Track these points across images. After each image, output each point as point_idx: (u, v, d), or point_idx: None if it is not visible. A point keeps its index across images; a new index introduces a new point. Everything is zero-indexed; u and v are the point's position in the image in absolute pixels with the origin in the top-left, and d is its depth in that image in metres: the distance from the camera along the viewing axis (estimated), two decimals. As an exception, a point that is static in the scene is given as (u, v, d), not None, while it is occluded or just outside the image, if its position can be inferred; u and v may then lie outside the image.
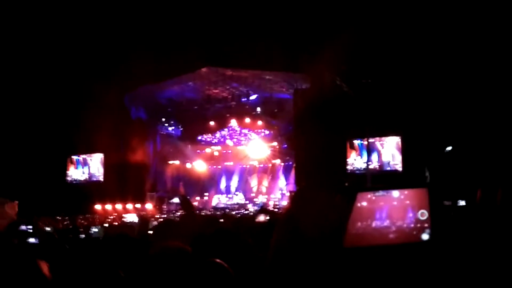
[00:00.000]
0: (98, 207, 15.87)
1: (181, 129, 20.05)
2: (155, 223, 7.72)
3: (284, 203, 16.69)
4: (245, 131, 19.14)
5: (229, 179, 19.93)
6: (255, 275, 2.26)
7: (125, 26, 12.92)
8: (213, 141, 19.87)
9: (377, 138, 14.38)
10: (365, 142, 14.06)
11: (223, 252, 2.26)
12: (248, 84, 17.15)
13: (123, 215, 14.21)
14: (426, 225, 2.03)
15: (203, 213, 14.28)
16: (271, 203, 17.15)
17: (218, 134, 19.48)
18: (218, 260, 2.04)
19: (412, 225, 2.05)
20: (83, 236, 6.37)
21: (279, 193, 18.35)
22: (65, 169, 17.70)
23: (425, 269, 2.00)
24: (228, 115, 18.87)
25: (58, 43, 13.44)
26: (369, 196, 2.09)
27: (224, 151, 20.02)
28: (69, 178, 17.75)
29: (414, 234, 2.04)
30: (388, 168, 14.48)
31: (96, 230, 6.91)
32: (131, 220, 11.74)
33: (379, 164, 14.57)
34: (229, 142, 19.64)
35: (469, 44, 11.04)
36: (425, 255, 2.01)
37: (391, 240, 2.04)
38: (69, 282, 2.25)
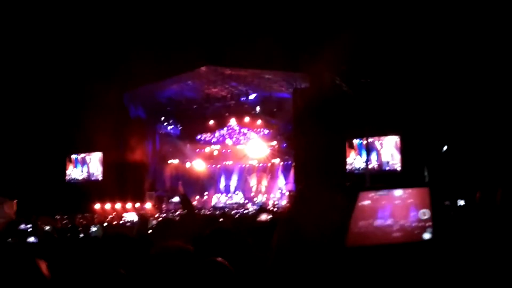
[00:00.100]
0: (97, 206, 15.86)
1: (180, 128, 20.02)
2: (154, 222, 7.72)
3: (283, 202, 16.69)
4: (244, 130, 19.12)
5: (228, 178, 19.92)
6: (254, 274, 2.26)
7: (124, 25, 12.91)
8: (212, 140, 19.85)
9: (376, 138, 14.39)
10: (364, 142, 14.07)
11: (222, 251, 2.26)
12: (248, 83, 17.14)
13: (122, 214, 14.21)
14: (428, 224, 2.04)
15: (202, 213, 14.28)
16: (270, 203, 17.14)
17: (217, 133, 19.46)
18: (219, 259, 2.05)
19: (414, 224, 2.05)
20: (82, 235, 6.37)
21: (278, 192, 18.35)
22: (64, 168, 17.69)
23: (426, 268, 2.00)
24: (227, 114, 18.85)
25: (57, 42, 13.43)
26: (371, 195, 2.09)
27: (223, 151, 20.00)
28: (68, 177, 17.74)
29: (416, 233, 2.04)
30: (387, 168, 14.48)
31: (95, 229, 6.91)
32: (130, 220, 11.75)
33: (378, 163, 14.57)
34: (228, 141, 19.63)
35: (468, 43, 11.05)
36: (427, 254, 2.01)
37: (394, 239, 2.04)
38: (68, 281, 2.25)
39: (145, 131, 18.12)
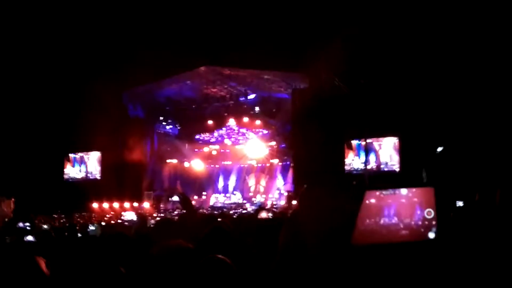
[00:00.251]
0: (95, 205, 15.84)
1: (179, 128, 20.03)
2: (152, 221, 7.71)
3: (282, 202, 16.70)
4: (243, 130, 19.13)
5: (227, 178, 19.93)
6: (254, 273, 2.26)
7: (124, 24, 12.90)
8: (211, 140, 19.86)
9: (375, 139, 14.41)
10: (363, 143, 14.08)
11: (221, 250, 2.27)
12: (246, 84, 17.15)
13: (120, 213, 14.19)
14: (432, 223, 2.05)
15: (201, 212, 14.28)
16: (268, 203, 17.15)
17: (216, 133, 19.47)
18: (220, 256, 2.05)
19: (420, 223, 2.07)
20: (80, 234, 6.36)
21: (276, 192, 18.37)
22: (62, 167, 17.67)
23: (431, 267, 2.01)
24: (226, 114, 18.86)
25: (56, 41, 13.41)
26: (377, 193, 2.11)
27: (222, 150, 20.01)
28: (66, 176, 17.71)
29: (421, 232, 2.06)
30: (386, 169, 14.50)
31: (93, 228, 6.90)
32: (128, 219, 11.73)
33: (376, 164, 14.59)
34: (227, 141, 19.63)
35: (467, 44, 11.07)
36: (432, 253, 2.03)
37: (399, 237, 2.06)
38: (67, 279, 2.24)
39: (144, 131, 18.11)
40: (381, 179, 13.39)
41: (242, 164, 19.76)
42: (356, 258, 1.99)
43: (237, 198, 18.87)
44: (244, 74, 16.29)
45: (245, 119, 18.55)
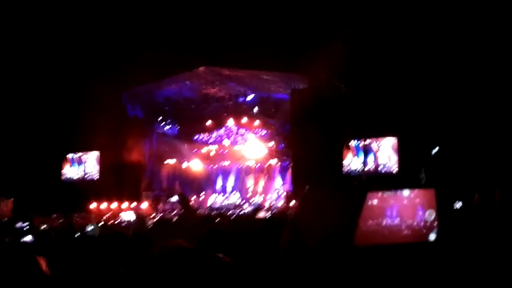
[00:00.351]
0: (93, 205, 15.82)
1: (178, 128, 20.00)
2: (151, 222, 7.71)
3: (281, 203, 16.70)
4: (242, 130, 19.11)
5: (225, 178, 19.90)
6: (252, 273, 2.26)
7: (122, 24, 12.89)
8: (210, 141, 19.83)
9: (374, 139, 14.42)
10: (362, 143, 14.10)
11: (219, 251, 2.27)
12: (245, 84, 17.14)
13: (119, 214, 14.19)
14: (434, 225, 2.06)
15: (199, 213, 14.27)
16: (267, 203, 17.14)
17: (214, 134, 19.44)
18: (220, 255, 2.05)
19: (422, 224, 2.07)
20: (79, 234, 6.35)
21: (275, 193, 18.35)
22: (60, 167, 17.65)
23: (432, 268, 2.01)
24: (225, 114, 18.84)
25: (55, 41, 13.40)
26: (379, 195, 2.12)
27: (221, 151, 19.97)
28: (64, 176, 17.68)
29: (423, 233, 2.06)
30: (384, 170, 14.52)
31: (91, 228, 6.89)
32: (127, 219, 11.73)
33: (375, 165, 14.61)
34: (225, 141, 19.61)
35: (466, 44, 11.10)
36: (433, 254, 2.03)
37: (401, 238, 2.06)
38: (66, 279, 2.24)
39: (143, 131, 18.09)
40: (380, 180, 13.42)
41: (241, 164, 19.73)
42: (358, 259, 1.99)
43: (235, 198, 18.84)
44: (243, 74, 16.28)
45: (244, 120, 18.53)
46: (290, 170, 17.08)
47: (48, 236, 5.75)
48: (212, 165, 20.01)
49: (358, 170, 14.48)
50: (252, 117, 18.32)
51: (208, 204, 18.30)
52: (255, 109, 18.21)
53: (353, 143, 14.75)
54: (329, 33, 11.64)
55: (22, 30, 12.99)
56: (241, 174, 19.62)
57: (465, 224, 2.48)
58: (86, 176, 17.50)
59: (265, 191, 18.75)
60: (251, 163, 19.31)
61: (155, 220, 9.17)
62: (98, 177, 17.27)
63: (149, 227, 5.70)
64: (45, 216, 10.89)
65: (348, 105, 13.15)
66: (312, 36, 12.24)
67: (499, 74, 11.01)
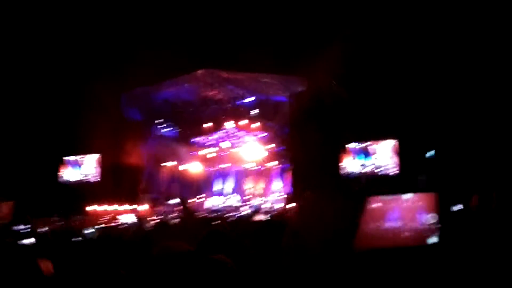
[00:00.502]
0: (92, 208, 15.79)
1: (176, 130, 19.99)
2: (150, 224, 7.70)
3: (280, 205, 16.70)
4: (240, 133, 19.11)
5: (224, 181, 19.88)
6: (251, 274, 2.27)
7: (122, 26, 12.91)
8: (209, 143, 19.82)
9: (372, 142, 14.45)
10: (361, 146, 14.12)
11: (218, 252, 2.27)
12: (244, 87, 17.17)
13: (118, 216, 14.17)
14: (435, 228, 2.06)
15: (198, 215, 14.25)
16: (266, 206, 17.13)
17: (213, 136, 19.44)
18: (221, 257, 2.05)
19: (423, 227, 2.08)
20: (78, 237, 6.35)
21: (274, 195, 18.35)
22: (59, 169, 17.62)
23: (433, 272, 2.02)
24: (223, 117, 18.85)
25: (54, 43, 13.41)
26: (380, 198, 2.13)
27: (220, 153, 19.97)
28: (63, 179, 17.65)
29: (424, 236, 2.07)
30: (383, 172, 14.53)
31: (90, 231, 6.88)
32: (126, 221, 11.72)
33: (374, 167, 14.62)
34: (224, 144, 19.61)
35: (464, 47, 11.14)
36: (434, 258, 2.04)
37: (402, 241, 2.07)
38: (66, 281, 2.24)
39: (141, 133, 18.08)
40: (379, 182, 13.43)
41: (240, 166, 19.73)
42: (358, 262, 2.00)
43: (234, 200, 18.82)
44: (242, 77, 16.30)
45: (243, 122, 18.54)
46: (289, 172, 17.08)
47: (47, 239, 5.74)
48: (211, 167, 20.00)
49: (357, 172, 14.49)
50: (251, 119, 18.33)
51: (207, 207, 18.28)
52: (254, 112, 18.23)
53: (352, 145, 14.77)
54: (328, 36, 11.68)
55: (21, 32, 13.00)
56: (240, 177, 19.61)
57: (464, 227, 2.49)
58: (85, 178, 17.48)
59: (265, 193, 18.74)
60: (250, 165, 19.30)
61: (154, 222, 9.16)
62: (97, 179, 17.25)
63: (148, 229, 5.70)
64: (44, 219, 10.88)
65: (347, 108, 13.18)
66: (311, 39, 12.28)
67: (497, 77, 11.04)
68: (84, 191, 15.87)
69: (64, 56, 13.74)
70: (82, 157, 17.61)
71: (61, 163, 17.71)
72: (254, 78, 16.19)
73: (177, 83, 16.81)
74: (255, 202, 17.94)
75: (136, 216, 13.94)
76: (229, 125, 18.90)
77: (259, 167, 19.09)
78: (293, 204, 14.08)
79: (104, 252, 3.26)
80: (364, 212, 2.09)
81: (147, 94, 17.38)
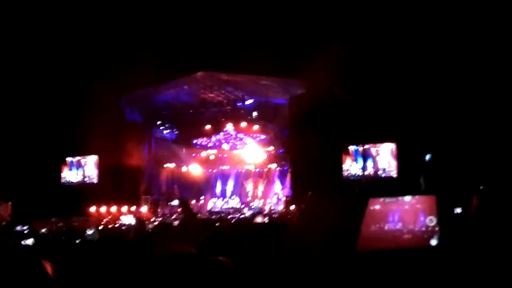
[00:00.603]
0: (92, 209, 15.80)
1: (176, 132, 20.02)
2: (150, 226, 7.71)
3: (280, 207, 16.70)
4: (240, 135, 19.14)
5: (224, 183, 19.90)
6: (252, 275, 2.29)
7: (122, 29, 12.94)
8: (209, 145, 19.85)
9: (372, 145, 14.47)
10: (361, 148, 14.14)
11: (219, 254, 2.29)
12: (244, 89, 17.19)
13: (118, 217, 14.17)
14: (435, 230, 2.08)
15: (199, 217, 14.24)
16: (266, 208, 17.15)
17: (213, 138, 19.47)
18: (222, 258, 2.07)
19: (423, 229, 2.10)
20: (78, 238, 6.35)
21: (274, 197, 18.37)
22: (59, 171, 17.63)
23: (433, 274, 2.03)
24: (223, 119, 18.88)
25: (55, 45, 13.43)
26: (381, 200, 2.15)
27: (220, 155, 20.00)
28: (63, 180, 17.66)
29: (424, 238, 2.09)
30: (383, 175, 14.55)
31: (91, 232, 6.88)
32: (126, 223, 11.70)
33: (374, 170, 14.64)
34: (224, 146, 19.64)
35: (462, 50, 11.16)
36: (434, 259, 2.05)
37: (403, 243, 2.09)
38: (66, 283, 2.25)
39: (141, 135, 18.10)
40: (379, 185, 13.44)
41: (240, 169, 19.76)
42: (359, 264, 2.01)
43: (235, 203, 18.85)
44: (241, 79, 16.33)
45: (243, 124, 18.57)
46: (289, 174, 17.11)
47: (47, 240, 5.75)
48: (211, 169, 20.03)
49: (357, 175, 14.51)
50: (251, 121, 18.36)
51: (208, 208, 18.30)
52: (254, 114, 18.25)
53: (352, 148, 14.79)
54: (327, 39, 11.70)
55: (22, 33, 13.03)
56: (240, 179, 19.63)
57: (465, 229, 2.51)
58: (85, 179, 17.49)
59: (265, 195, 18.76)
60: (250, 167, 19.34)
61: (154, 224, 9.16)
62: (97, 180, 17.26)
63: (149, 231, 5.71)
64: (44, 220, 10.88)
65: (346, 111, 13.20)
66: (311, 42, 12.30)
67: (497, 80, 11.07)
68: (85, 192, 15.87)
69: (65, 58, 13.77)
70: (83, 159, 17.62)
71: (62, 164, 17.73)
72: (254, 80, 16.21)
73: (177, 85, 16.84)
74: (255, 204, 17.96)
75: (136, 217, 13.92)
76: (229, 127, 18.93)
77: (259, 169, 19.12)
78: (293, 206, 14.09)
79: (104, 254, 3.28)
80: (364, 214, 2.11)
81: (147, 96, 17.40)
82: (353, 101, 13.03)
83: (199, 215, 15.65)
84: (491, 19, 10.62)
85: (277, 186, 18.60)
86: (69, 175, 17.78)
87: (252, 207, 17.47)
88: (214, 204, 18.82)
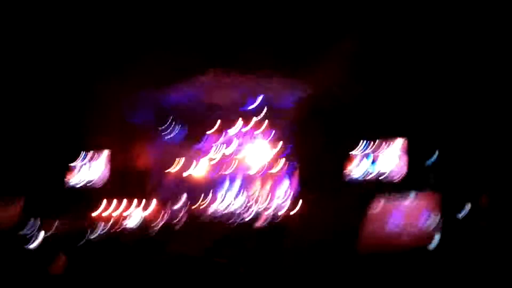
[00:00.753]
0: (99, 210, 15.88)
1: (183, 134, 20.06)
2: (156, 227, 7.74)
3: (284, 210, 16.70)
4: (246, 137, 19.16)
5: (230, 184, 19.91)
6: (254, 276, 2.29)
7: (131, 29, 13.04)
8: (214, 147, 19.88)
9: (380, 145, 14.41)
10: (367, 149, 14.08)
11: (226, 256, 2.30)
12: (251, 90, 17.22)
13: (125, 218, 14.24)
14: (437, 228, 2.08)
15: (204, 219, 14.29)
16: (270, 210, 17.15)
17: (220, 139, 19.50)
18: (224, 260, 2.08)
19: (425, 228, 2.11)
20: (85, 238, 6.40)
21: (280, 199, 18.36)
22: (67, 171, 17.73)
23: (435, 273, 2.03)
24: (230, 120, 18.90)
25: (63, 43, 13.54)
26: (384, 199, 2.16)
27: (225, 157, 20.02)
28: (71, 181, 17.76)
29: (427, 238, 2.09)
30: (390, 176, 14.49)
31: (98, 232, 6.92)
32: (132, 224, 11.78)
33: (380, 171, 14.59)
34: (230, 147, 19.67)
35: (473, 46, 11.08)
36: (436, 259, 2.05)
37: (405, 242, 2.09)
38: (74, 280, 2.28)
39: (148, 136, 18.17)
40: (386, 185, 13.39)
41: (245, 171, 19.76)
42: (361, 263, 2.01)
43: (239, 205, 18.85)
44: (247, 80, 16.35)
45: (249, 126, 18.59)
46: (294, 177, 17.07)
47: (56, 239, 5.80)
48: (216, 171, 20.03)
49: (364, 175, 14.47)
50: (256, 123, 18.37)
51: (213, 210, 18.31)
52: (259, 116, 18.26)
53: (358, 148, 14.76)
54: (334, 39, 11.69)
55: (30, 31, 13.14)
56: (245, 181, 19.62)
57: (471, 227, 2.49)
58: (92, 180, 17.59)
59: (270, 197, 18.74)
60: (255, 169, 19.32)
61: (160, 225, 9.20)
62: (104, 181, 17.35)
63: (154, 232, 5.74)
64: (51, 220, 10.94)
65: (353, 111, 13.17)
66: (319, 41, 12.31)
67: (507, 75, 10.98)
68: (92, 193, 15.96)
69: (75, 58, 13.88)
70: (90, 159, 17.72)
71: (68, 165, 17.84)
72: (259, 81, 16.23)
73: (185, 86, 16.90)
74: (260, 206, 17.94)
75: (142, 219, 13.98)
76: (235, 129, 18.94)
77: (265, 170, 19.10)
78: (297, 209, 14.09)
79: (110, 254, 3.31)
80: (367, 215, 2.11)
81: (154, 97, 17.47)
82: (360, 101, 13.01)
83: (204, 216, 15.69)
84: (508, 14, 10.53)
85: (283, 187, 18.58)
86: (77, 176, 17.88)
87: (258, 208, 17.46)
88: (219, 205, 18.83)
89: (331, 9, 11.93)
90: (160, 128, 19.24)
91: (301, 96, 15.62)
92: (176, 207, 17.16)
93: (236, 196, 19.40)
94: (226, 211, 18.01)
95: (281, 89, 16.66)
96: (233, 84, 16.86)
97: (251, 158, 18.88)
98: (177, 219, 14.56)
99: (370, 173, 14.21)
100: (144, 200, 17.20)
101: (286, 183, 18.45)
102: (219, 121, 19.22)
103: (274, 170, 18.87)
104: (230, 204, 18.85)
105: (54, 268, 2.06)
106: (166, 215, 17.01)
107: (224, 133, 19.41)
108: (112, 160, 16.82)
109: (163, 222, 13.50)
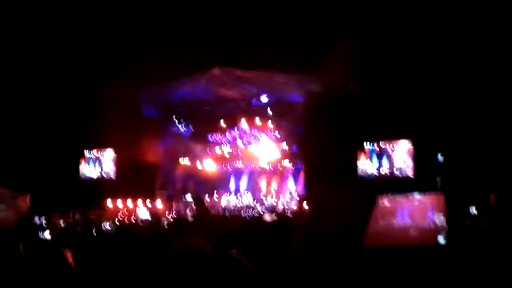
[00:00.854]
0: (109, 203, 16.05)
1: (192, 128, 20.13)
2: (165, 221, 7.80)
3: (293, 205, 16.69)
4: (255, 132, 19.15)
5: (238, 179, 19.96)
6: (264, 272, 2.31)
7: (139, 24, 13.07)
8: (223, 141, 19.91)
9: (388, 143, 14.33)
10: (376, 147, 14.02)
11: (234, 249, 2.31)
12: (260, 86, 17.18)
13: (134, 212, 14.37)
14: (442, 228, 2.08)
15: (213, 213, 14.34)
16: (280, 205, 17.16)
17: (228, 135, 19.53)
18: (234, 253, 2.09)
19: (431, 227, 2.10)
20: (95, 231, 6.47)
21: (288, 195, 18.35)
22: (77, 165, 17.94)
23: (440, 272, 2.03)
24: (238, 115, 18.91)
25: (72, 39, 13.63)
26: (391, 197, 2.15)
27: (234, 152, 20.05)
28: (81, 174, 17.97)
29: (432, 236, 2.09)
30: (399, 173, 14.41)
31: (107, 225, 7.00)
32: (142, 217, 11.88)
33: (389, 168, 14.51)
34: (239, 142, 19.68)
35: (480, 47, 10.96)
36: (441, 258, 2.05)
37: (411, 240, 2.09)
38: (84, 274, 2.31)
39: (157, 131, 18.28)
40: (394, 184, 13.32)
41: (254, 165, 19.77)
42: (367, 261, 2.01)
43: (248, 199, 18.89)
44: (258, 76, 16.31)
45: (258, 121, 18.59)
46: (303, 172, 17.07)
47: (65, 233, 5.88)
48: (225, 166, 20.10)
49: (372, 173, 14.41)
50: (266, 118, 18.36)
51: (222, 205, 18.39)
52: (269, 111, 18.24)
53: (367, 146, 14.68)
54: (344, 35, 11.62)
55: (38, 28, 13.24)
56: (254, 175, 19.66)
57: (476, 227, 2.48)
58: (102, 174, 17.77)
59: (278, 193, 18.76)
60: (264, 164, 19.34)
61: (170, 218, 9.27)
62: (114, 175, 17.52)
63: (164, 226, 5.79)
64: (62, 213, 11.08)
65: (362, 108, 13.10)
66: (328, 38, 12.23)
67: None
68: (102, 186, 16.13)
69: (82, 53, 13.97)
70: (100, 153, 17.90)
71: (80, 158, 18.03)
72: (269, 77, 16.18)
73: (193, 81, 16.92)
74: (269, 201, 17.98)
75: (152, 212, 14.09)
76: (243, 123, 18.96)
77: (273, 166, 19.11)
78: (306, 204, 14.08)
79: (120, 247, 3.34)
80: (375, 211, 2.11)
81: (163, 92, 17.54)
82: (369, 98, 12.93)
83: (213, 211, 15.76)
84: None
85: (291, 183, 18.59)
86: (87, 170, 18.09)
87: (265, 204, 17.50)
88: (228, 200, 18.90)
89: (341, 7, 11.84)
90: (170, 122, 19.37)
91: (312, 91, 15.55)
92: (187, 199, 17.28)
93: (246, 190, 19.49)
94: (236, 205, 18.10)
95: (291, 84, 16.60)
96: (243, 79, 16.84)
97: (261, 152, 18.92)
98: (188, 212, 14.67)
99: (378, 171, 14.14)
100: (154, 194, 17.37)
101: (294, 178, 18.48)
102: (227, 117, 19.30)
103: (284, 165, 18.91)
104: (240, 198, 18.93)
105: (64, 262, 2.10)
106: (177, 207, 17.14)
107: (232, 129, 19.49)
108: (122, 154, 16.97)
109: (174, 215, 13.62)
